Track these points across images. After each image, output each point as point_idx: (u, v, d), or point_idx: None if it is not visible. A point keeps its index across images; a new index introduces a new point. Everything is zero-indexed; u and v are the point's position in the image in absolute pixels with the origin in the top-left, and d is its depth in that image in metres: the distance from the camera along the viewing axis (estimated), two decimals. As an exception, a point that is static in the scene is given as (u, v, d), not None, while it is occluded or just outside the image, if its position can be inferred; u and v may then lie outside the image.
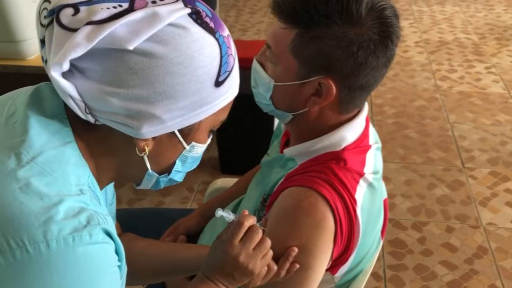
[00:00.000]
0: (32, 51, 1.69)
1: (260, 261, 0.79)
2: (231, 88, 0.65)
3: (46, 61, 0.59)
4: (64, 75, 0.57)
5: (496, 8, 4.64)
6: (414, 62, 3.60)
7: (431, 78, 3.38)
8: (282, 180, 0.93)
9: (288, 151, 0.96)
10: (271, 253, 0.81)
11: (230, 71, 0.64)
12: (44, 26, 0.58)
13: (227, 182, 1.46)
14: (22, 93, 0.67)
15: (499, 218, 2.19)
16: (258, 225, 0.82)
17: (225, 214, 0.83)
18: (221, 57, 0.61)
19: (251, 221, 0.80)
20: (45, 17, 0.58)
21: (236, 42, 0.71)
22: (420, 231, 2.13)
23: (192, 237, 1.26)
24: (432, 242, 2.07)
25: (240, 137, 2.35)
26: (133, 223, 1.15)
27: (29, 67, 1.65)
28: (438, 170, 2.50)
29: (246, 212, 0.82)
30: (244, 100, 2.30)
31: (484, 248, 2.03)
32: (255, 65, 0.93)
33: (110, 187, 0.87)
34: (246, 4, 4.77)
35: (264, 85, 0.91)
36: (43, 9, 0.58)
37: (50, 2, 0.57)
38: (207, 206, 1.31)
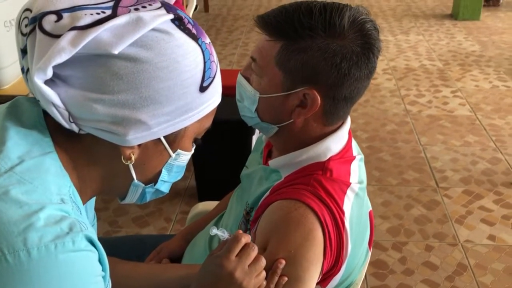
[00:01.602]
0: (7, 80, 1.66)
1: (254, 280, 0.78)
2: (215, 95, 0.66)
3: (27, 71, 0.58)
4: (46, 84, 0.56)
5: (457, 36, 4.84)
6: (383, 88, 3.70)
7: (400, 103, 3.47)
8: (267, 193, 0.92)
9: (273, 162, 0.96)
10: (264, 273, 0.79)
11: (213, 77, 0.64)
12: (25, 35, 0.57)
13: (208, 205, 1.44)
14: None
15: (476, 235, 2.22)
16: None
17: (219, 233, 0.82)
18: (205, 62, 0.62)
19: (247, 238, 0.79)
20: (26, 25, 0.57)
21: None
22: (400, 251, 2.14)
23: (175, 261, 1.23)
24: (412, 261, 2.08)
25: (217, 163, 2.34)
26: (113, 250, 1.11)
27: (4, 96, 1.62)
28: (413, 190, 2.53)
29: (241, 231, 0.81)
30: (221, 126, 2.31)
31: (463, 265, 2.05)
32: (240, 79, 0.94)
33: (91, 209, 0.85)
34: (217, 38, 4.84)
35: (249, 98, 0.92)
36: (24, 18, 0.58)
37: (31, 11, 0.57)
38: (189, 230, 1.29)
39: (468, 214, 2.36)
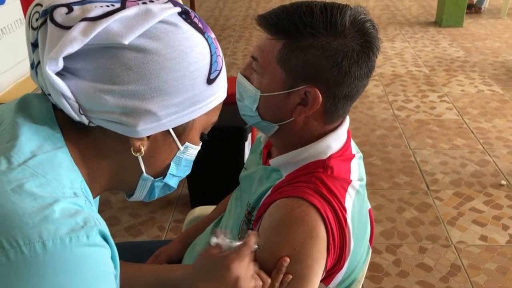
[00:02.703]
0: (1, 87, 1.65)
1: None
2: (221, 88, 0.67)
3: (37, 65, 0.59)
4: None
5: (442, 43, 4.92)
6: (371, 94, 3.74)
7: (389, 109, 3.51)
8: (269, 192, 0.92)
9: (274, 161, 0.96)
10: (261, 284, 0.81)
11: (220, 71, 0.65)
12: (36, 29, 0.57)
13: (205, 210, 1.44)
14: (7, 106, 0.65)
15: (468, 236, 2.25)
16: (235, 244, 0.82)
17: (219, 241, 0.81)
18: (211, 55, 0.63)
19: (254, 239, 0.80)
20: (36, 19, 0.57)
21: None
22: (394, 253, 2.15)
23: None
24: (407, 263, 2.10)
25: (210, 170, 2.34)
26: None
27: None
28: (405, 194, 2.55)
29: (252, 235, 0.82)
30: (213, 133, 2.30)
31: (457, 266, 2.07)
32: (240, 78, 0.94)
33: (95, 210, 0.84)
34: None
35: (250, 97, 0.92)
36: (35, 12, 0.58)
37: (42, 6, 0.58)
38: (187, 233, 1.28)
39: (460, 215, 2.38)
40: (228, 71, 4.30)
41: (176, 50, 0.59)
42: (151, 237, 2.27)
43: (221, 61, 0.66)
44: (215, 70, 0.64)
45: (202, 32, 0.62)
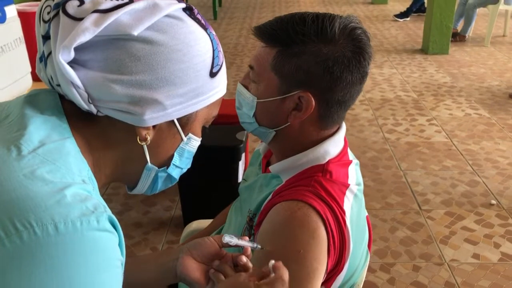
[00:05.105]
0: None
1: None
2: (222, 83, 0.70)
3: (47, 56, 0.61)
4: None
5: (429, 69, 5.04)
6: (361, 118, 3.80)
7: (379, 132, 3.56)
8: (269, 197, 0.94)
9: (273, 167, 0.98)
10: None
11: (221, 66, 0.68)
12: (47, 21, 0.60)
13: (202, 223, 1.45)
14: (14, 100, 0.67)
15: (461, 254, 2.26)
16: (256, 245, 0.82)
17: (227, 238, 0.78)
18: (213, 50, 0.66)
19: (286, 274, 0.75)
20: (48, 12, 0.60)
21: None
22: (388, 272, 2.16)
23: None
24: (401, 281, 2.10)
25: (204, 190, 2.35)
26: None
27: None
28: (397, 214, 2.58)
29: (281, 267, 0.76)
30: (207, 153, 2.33)
31: (451, 284, 2.08)
32: (239, 87, 0.98)
33: None
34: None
35: (247, 104, 0.95)
36: (46, 6, 0.61)
37: (53, 0, 0.60)
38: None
39: (452, 234, 2.40)
40: (220, 96, 4.34)
41: (181, 42, 0.62)
42: (144, 258, 2.25)
43: (222, 57, 0.69)
44: (217, 65, 0.67)
45: (204, 28, 0.66)
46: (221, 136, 2.28)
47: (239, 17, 8.01)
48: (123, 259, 0.60)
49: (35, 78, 1.76)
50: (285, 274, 0.73)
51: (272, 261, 0.75)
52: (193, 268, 0.81)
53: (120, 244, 0.58)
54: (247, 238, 0.82)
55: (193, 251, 0.82)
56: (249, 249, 0.82)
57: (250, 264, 0.79)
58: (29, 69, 1.72)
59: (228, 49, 5.85)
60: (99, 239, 0.54)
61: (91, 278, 0.52)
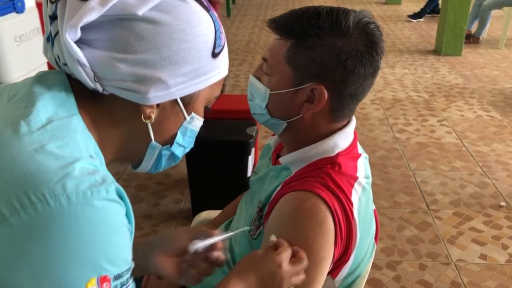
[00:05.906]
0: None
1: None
2: (224, 63, 0.72)
3: (54, 36, 0.63)
4: None
5: (441, 70, 5.02)
6: (372, 117, 3.80)
7: (389, 131, 3.56)
8: (279, 188, 0.96)
9: (284, 159, 1.00)
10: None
11: (223, 47, 0.70)
12: (54, 2, 0.62)
13: (211, 214, 1.47)
14: (23, 81, 0.70)
15: (468, 254, 2.26)
16: (231, 233, 0.89)
17: (197, 246, 0.84)
18: (215, 31, 0.68)
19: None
20: None
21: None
22: (394, 270, 2.17)
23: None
24: (407, 279, 2.11)
25: (214, 184, 2.37)
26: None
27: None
28: (405, 213, 2.58)
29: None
30: (216, 147, 2.34)
31: (457, 283, 2.08)
32: (252, 79, 0.99)
33: None
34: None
35: (260, 96, 0.97)
36: None
37: None
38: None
39: (459, 234, 2.40)
40: (231, 91, 4.37)
41: (184, 23, 0.64)
42: (153, 248, 2.28)
43: (224, 38, 0.71)
44: (219, 45, 0.69)
45: (207, 9, 0.68)
46: (231, 131, 2.30)
47: (252, 14, 8.03)
48: (132, 228, 0.63)
49: (52, 67, 1.79)
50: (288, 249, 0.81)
51: (273, 237, 0.84)
52: (165, 264, 0.87)
53: (128, 214, 0.61)
54: (216, 232, 0.87)
55: (162, 247, 0.87)
56: (220, 243, 0.87)
57: (222, 257, 0.87)
58: (46, 59, 1.75)
59: (240, 46, 5.86)
60: (108, 207, 0.56)
61: (102, 242, 0.56)
